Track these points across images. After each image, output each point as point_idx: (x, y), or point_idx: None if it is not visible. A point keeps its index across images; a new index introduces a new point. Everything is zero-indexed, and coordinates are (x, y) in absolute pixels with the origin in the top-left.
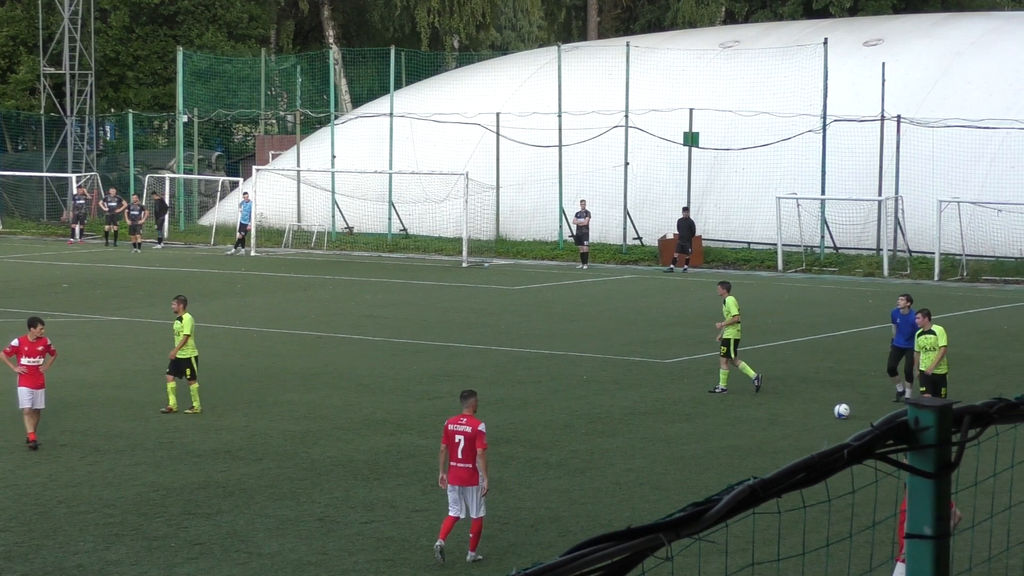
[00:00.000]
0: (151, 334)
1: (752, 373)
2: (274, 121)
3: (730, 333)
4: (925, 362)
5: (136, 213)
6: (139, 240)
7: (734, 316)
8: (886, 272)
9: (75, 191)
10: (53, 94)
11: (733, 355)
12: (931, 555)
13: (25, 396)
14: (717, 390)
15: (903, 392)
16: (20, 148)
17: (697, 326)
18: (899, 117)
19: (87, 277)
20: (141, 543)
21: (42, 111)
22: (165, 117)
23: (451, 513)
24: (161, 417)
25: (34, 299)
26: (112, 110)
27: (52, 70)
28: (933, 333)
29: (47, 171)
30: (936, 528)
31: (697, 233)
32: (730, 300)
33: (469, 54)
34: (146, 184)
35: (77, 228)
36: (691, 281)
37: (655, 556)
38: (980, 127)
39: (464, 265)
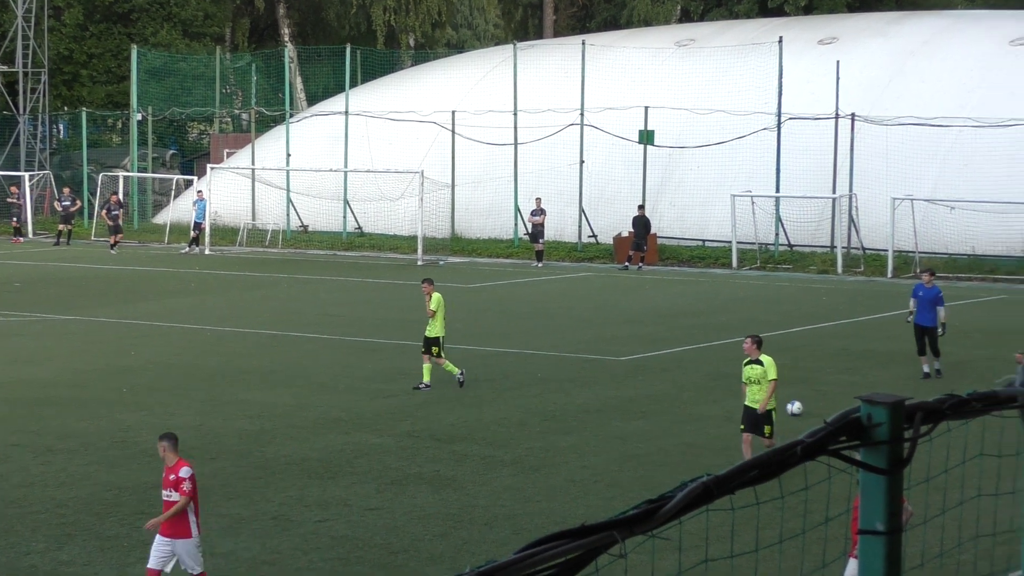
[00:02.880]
0: (105, 333)
1: (456, 370)
2: (229, 119)
3: (433, 331)
4: (751, 397)
5: (116, 213)
6: (113, 240)
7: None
8: (840, 269)
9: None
10: (6, 92)
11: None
12: (883, 551)
13: None
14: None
15: (929, 374)
16: None
17: (652, 324)
18: (853, 115)
19: (40, 276)
20: (94, 543)
21: None
22: (119, 115)
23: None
24: (114, 417)
25: None
26: (66, 108)
27: (5, 68)
28: (761, 364)
29: None
30: (888, 524)
31: (652, 231)
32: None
33: (425, 52)
34: (99, 183)
35: (26, 226)
36: (646, 279)
37: (609, 553)
38: (933, 125)
39: (419, 263)
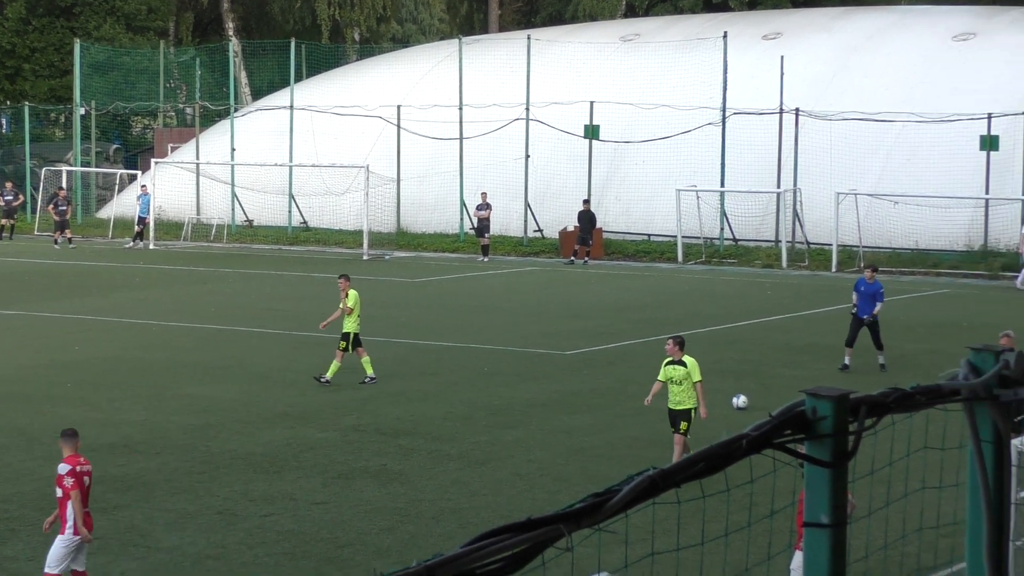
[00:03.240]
0: (49, 328)
1: (370, 371)
2: (173, 114)
3: (349, 327)
4: (673, 398)
5: (64, 208)
6: (70, 235)
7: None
8: (785, 264)
9: None
10: None
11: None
12: (828, 543)
13: None
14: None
15: (849, 365)
16: None
17: (597, 318)
18: (797, 110)
19: None
20: (38, 538)
21: None
22: (62, 110)
23: (61, 571)
24: (58, 412)
25: None
26: (8, 103)
27: None
28: (684, 365)
29: None
30: (833, 516)
31: (598, 225)
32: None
33: (370, 47)
34: (42, 177)
35: None
36: (591, 274)
37: (555, 547)
38: (877, 120)
39: (365, 258)
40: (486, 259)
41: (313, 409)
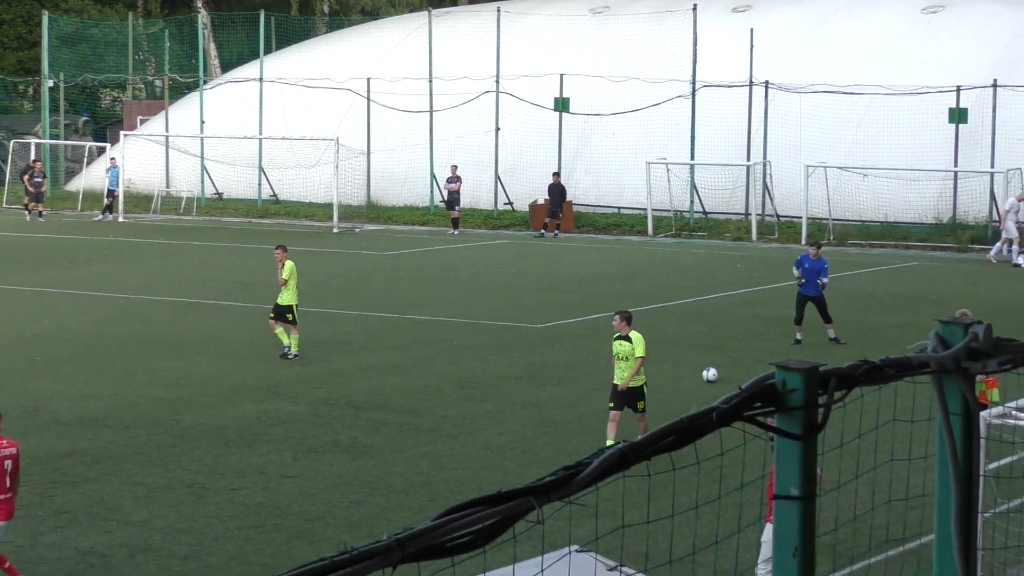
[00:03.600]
0: (17, 301)
1: (286, 341)
2: (142, 86)
3: (285, 299)
4: (619, 374)
5: (39, 180)
6: (41, 208)
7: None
8: (754, 236)
9: None
10: None
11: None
12: (798, 515)
13: None
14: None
15: (801, 340)
16: None
17: (568, 291)
18: (767, 83)
19: None
20: None
21: None
22: (31, 82)
23: None
24: (26, 386)
25: None
26: None
27: None
28: (629, 340)
29: None
30: (803, 489)
31: (568, 198)
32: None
33: (339, 19)
34: (11, 149)
35: None
36: (562, 246)
37: (526, 520)
38: (846, 93)
39: (335, 231)
40: (456, 232)
41: (284, 383)
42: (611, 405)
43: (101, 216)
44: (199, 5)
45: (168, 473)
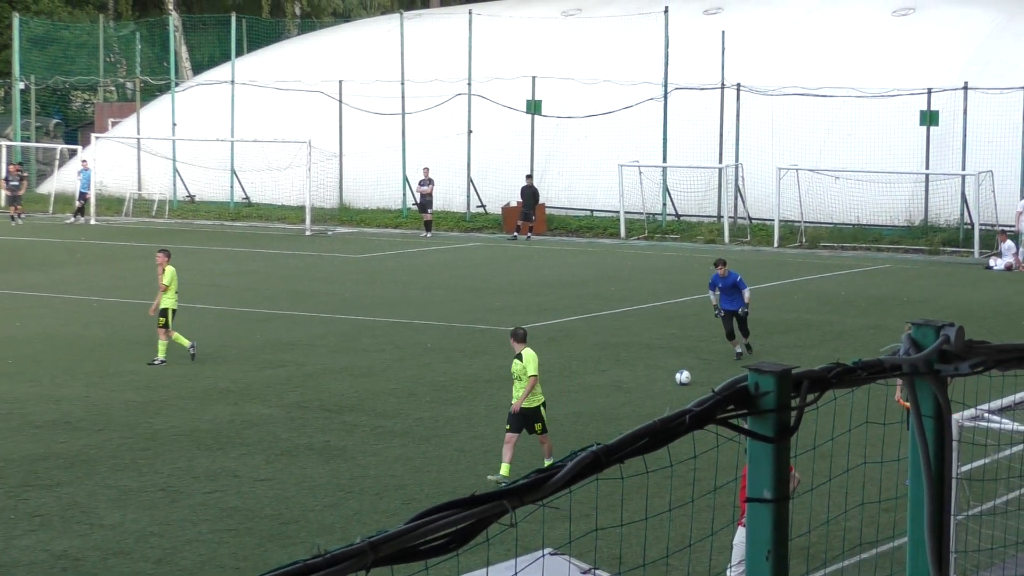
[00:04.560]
0: None
1: (187, 342)
2: (113, 88)
3: (166, 303)
4: (515, 394)
5: (16, 184)
6: (20, 211)
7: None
8: (727, 239)
9: None
10: None
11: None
12: (771, 518)
13: None
14: (156, 362)
15: (742, 353)
16: None
17: (541, 294)
18: (739, 85)
19: None
20: None
21: None
22: (1, 84)
23: None
24: (0, 388)
25: None
26: None
27: None
28: (520, 359)
29: None
30: (776, 492)
31: (540, 201)
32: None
33: (311, 21)
34: None
35: None
36: (534, 249)
37: (500, 523)
38: (817, 95)
39: (308, 234)
40: (429, 235)
41: (256, 386)
42: (508, 427)
43: (73, 219)
44: (170, 7)
45: (141, 476)
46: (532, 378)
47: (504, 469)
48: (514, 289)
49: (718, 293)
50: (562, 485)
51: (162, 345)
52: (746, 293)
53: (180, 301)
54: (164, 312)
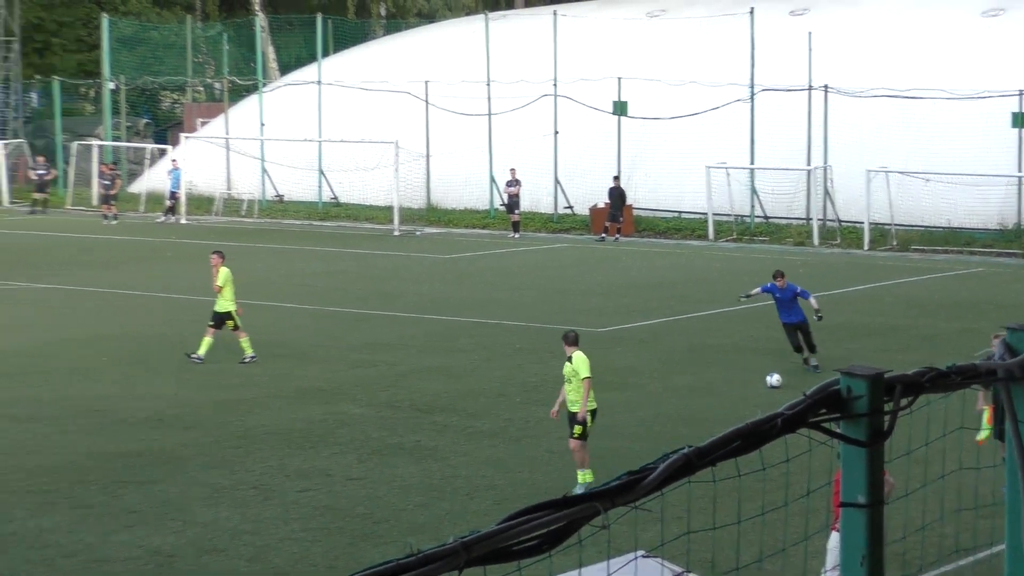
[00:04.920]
0: (81, 302)
1: (249, 351)
2: (201, 89)
3: (220, 306)
4: (568, 396)
5: (108, 183)
6: (114, 211)
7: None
8: (816, 241)
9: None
10: None
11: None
12: (865, 524)
13: None
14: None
15: (818, 366)
16: None
17: (629, 295)
18: (826, 87)
19: (15, 245)
20: (76, 511)
21: None
22: (92, 84)
23: None
24: (92, 386)
25: None
26: (37, 77)
27: None
28: (570, 361)
29: None
30: (870, 497)
31: (628, 202)
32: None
33: (396, 21)
34: (73, 151)
35: None
36: (623, 250)
37: (591, 524)
38: (906, 97)
39: (396, 234)
40: (517, 235)
41: (348, 385)
42: (570, 433)
43: (164, 218)
44: (256, 8)
45: (233, 474)
46: (586, 380)
47: (585, 475)
48: (602, 290)
49: (759, 293)
50: (654, 487)
51: (245, 342)
52: (812, 300)
53: (271, 299)
54: (227, 315)
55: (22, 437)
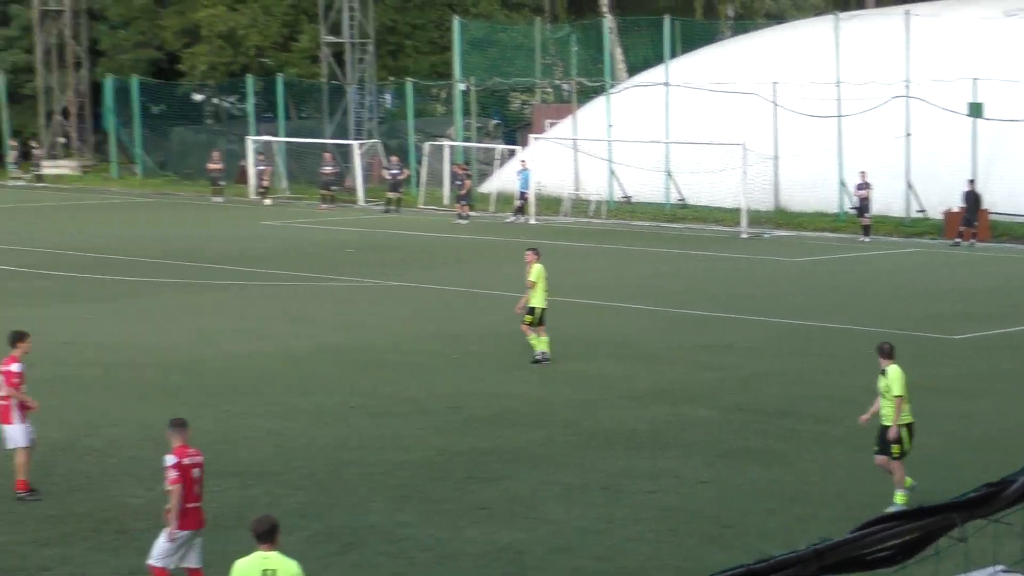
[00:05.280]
0: (431, 299)
1: (539, 348)
2: (550, 90)
3: (534, 302)
4: (882, 411)
5: (459, 183)
6: (467, 211)
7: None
8: None
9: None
10: (334, 62)
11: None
12: None
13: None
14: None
15: None
16: (303, 116)
17: (986, 303)
18: None
19: (369, 242)
20: (428, 506)
21: (324, 79)
22: (443, 85)
23: (164, 566)
24: (447, 383)
25: (322, 262)
26: (391, 78)
27: (332, 39)
28: (885, 374)
29: (330, 138)
30: None
31: (984, 206)
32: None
33: (744, 23)
34: (425, 151)
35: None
36: (978, 256)
37: (948, 536)
38: None
39: (743, 236)
40: (867, 239)
41: (694, 387)
42: (875, 449)
43: (513, 218)
44: (604, 10)
45: (583, 473)
46: (898, 399)
47: (900, 497)
48: (958, 297)
49: None
50: (1015, 500)
51: (536, 340)
52: None
53: (618, 300)
54: (531, 310)
55: (378, 432)
